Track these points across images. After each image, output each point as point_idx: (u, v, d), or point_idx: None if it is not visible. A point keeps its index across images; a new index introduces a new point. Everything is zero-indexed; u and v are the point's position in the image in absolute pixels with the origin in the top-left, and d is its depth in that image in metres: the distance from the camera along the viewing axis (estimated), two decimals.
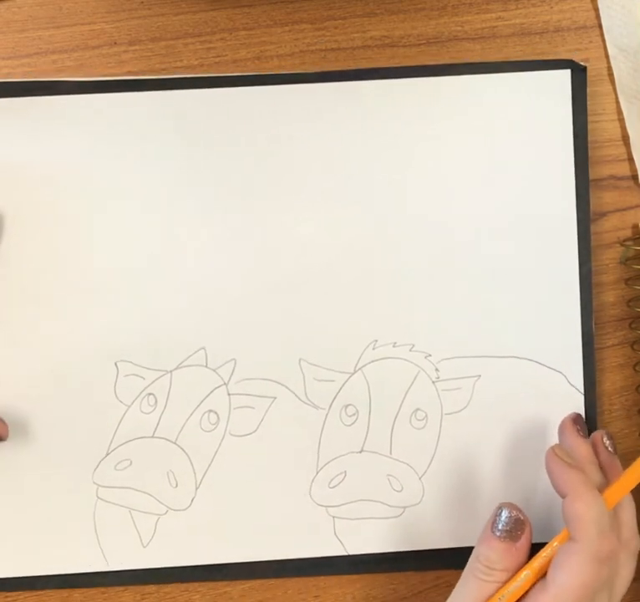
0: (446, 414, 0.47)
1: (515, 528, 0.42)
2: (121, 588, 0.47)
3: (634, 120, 0.48)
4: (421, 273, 0.47)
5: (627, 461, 0.48)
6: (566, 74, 0.47)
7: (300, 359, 0.47)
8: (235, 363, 0.47)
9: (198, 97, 0.47)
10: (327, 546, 0.47)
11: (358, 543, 0.47)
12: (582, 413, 0.47)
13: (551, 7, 0.49)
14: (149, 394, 0.47)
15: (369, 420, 0.47)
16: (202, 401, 0.47)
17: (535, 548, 0.42)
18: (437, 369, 0.47)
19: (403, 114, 0.47)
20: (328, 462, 0.47)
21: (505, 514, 0.42)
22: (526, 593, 0.40)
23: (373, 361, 0.47)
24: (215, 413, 0.47)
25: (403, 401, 0.47)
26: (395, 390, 0.47)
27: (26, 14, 0.47)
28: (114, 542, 0.46)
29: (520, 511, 0.42)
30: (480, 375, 0.47)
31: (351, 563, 0.47)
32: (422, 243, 0.47)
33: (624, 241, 0.49)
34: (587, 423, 0.47)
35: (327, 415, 0.47)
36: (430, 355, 0.47)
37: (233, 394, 0.47)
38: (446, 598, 0.41)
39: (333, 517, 0.47)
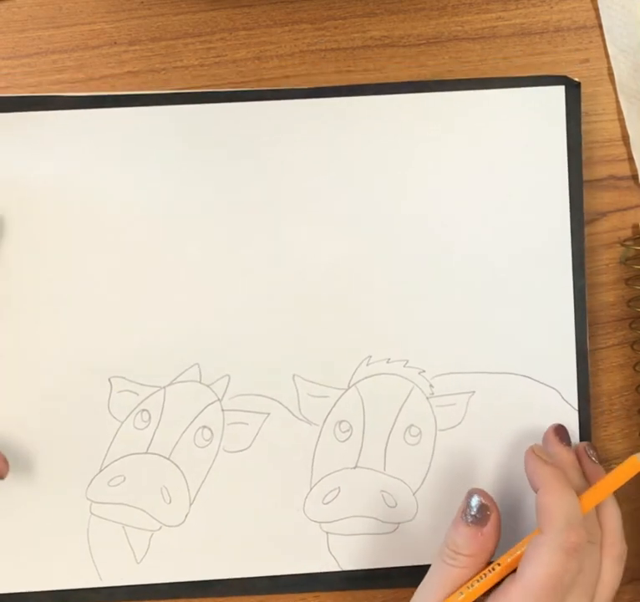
0: (440, 430, 0.47)
1: (482, 513, 0.42)
2: None
3: (634, 120, 0.48)
4: (415, 289, 0.47)
5: None
6: (559, 91, 0.47)
7: (294, 375, 0.47)
8: (229, 379, 0.47)
9: (195, 112, 0.47)
10: (320, 562, 0.47)
11: (351, 558, 0.47)
12: (577, 429, 0.47)
13: (551, 7, 0.49)
14: (143, 410, 0.47)
15: (363, 436, 0.47)
16: (196, 417, 0.47)
17: None
18: (431, 385, 0.47)
19: (396, 130, 0.47)
20: (322, 478, 0.47)
21: (474, 500, 0.42)
22: (498, 585, 0.40)
23: (367, 377, 0.47)
24: (209, 429, 0.47)
25: (397, 417, 0.47)
26: (389, 406, 0.47)
27: (26, 14, 0.47)
28: (107, 558, 0.46)
29: (488, 498, 0.42)
30: (474, 391, 0.47)
31: (344, 579, 0.47)
32: (416, 259, 0.47)
33: (624, 241, 0.49)
34: (582, 440, 0.47)
35: (321, 431, 0.47)
36: (424, 371, 0.47)
37: (227, 410, 0.47)
38: None
39: (327, 532, 0.47)
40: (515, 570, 0.40)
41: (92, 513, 0.46)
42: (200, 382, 0.47)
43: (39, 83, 0.47)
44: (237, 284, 0.47)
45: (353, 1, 0.48)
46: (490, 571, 0.41)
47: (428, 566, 0.47)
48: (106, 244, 0.47)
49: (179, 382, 0.47)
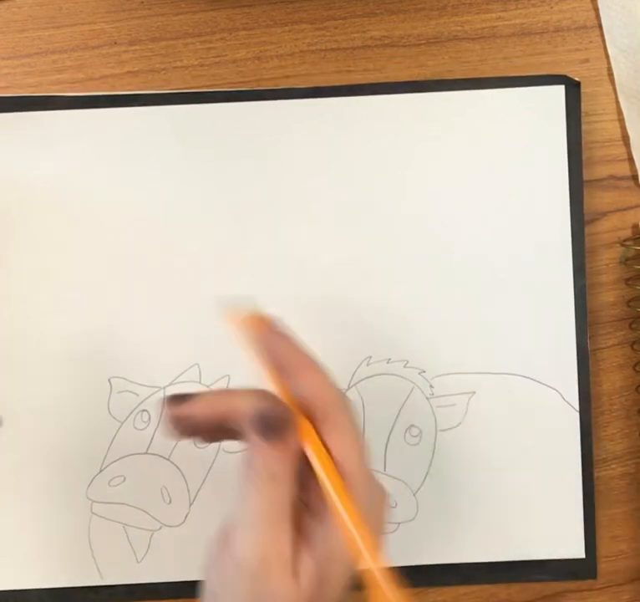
0: (440, 430, 0.47)
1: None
2: None
3: (634, 120, 0.48)
4: (415, 289, 0.47)
5: (627, 462, 0.48)
6: (559, 90, 0.47)
7: None
8: (228, 379, 0.47)
9: (193, 112, 0.47)
10: None
11: None
12: (578, 430, 0.47)
13: (551, 7, 0.49)
14: (143, 410, 0.47)
15: (363, 436, 0.47)
16: None
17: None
18: (431, 386, 0.47)
19: (396, 130, 0.47)
20: None
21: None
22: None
23: (367, 377, 0.47)
24: None
25: (397, 418, 0.47)
26: (389, 406, 0.47)
27: (26, 14, 0.47)
28: (108, 557, 0.46)
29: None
30: (474, 392, 0.47)
31: None
32: (416, 259, 0.47)
33: (624, 241, 0.49)
34: (584, 440, 0.47)
35: None
36: (424, 372, 0.47)
37: None
38: None
39: None
40: None
41: (93, 513, 0.46)
42: (199, 382, 0.47)
43: (39, 83, 0.47)
44: (237, 284, 0.47)
45: (353, 1, 0.48)
46: None
47: (429, 566, 0.47)
48: (106, 244, 0.47)
49: (179, 382, 0.47)
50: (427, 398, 0.47)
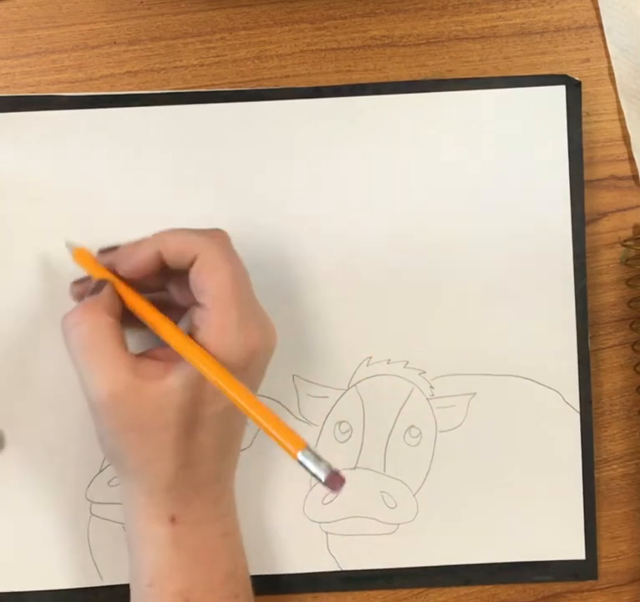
0: (441, 431, 0.47)
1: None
2: None
3: (635, 120, 0.48)
4: (416, 290, 0.47)
5: (627, 462, 0.48)
6: (560, 90, 0.47)
7: (294, 376, 0.47)
8: None
9: (193, 112, 0.47)
10: (320, 562, 0.47)
11: (351, 559, 0.47)
12: (578, 431, 0.47)
13: (552, 7, 0.49)
14: None
15: (363, 436, 0.47)
16: None
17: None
18: (432, 387, 0.47)
19: (397, 130, 0.47)
20: None
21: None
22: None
23: (367, 378, 0.47)
24: None
25: (397, 418, 0.47)
26: (389, 406, 0.47)
27: (25, 14, 0.47)
28: (108, 557, 0.46)
29: None
30: (474, 393, 0.47)
31: (344, 580, 0.47)
32: (416, 260, 0.47)
33: (625, 241, 0.48)
34: (584, 441, 0.47)
35: (320, 431, 0.47)
36: (425, 372, 0.47)
37: None
38: None
39: (327, 533, 0.47)
40: None
41: (92, 514, 0.46)
42: None
43: (39, 82, 0.47)
44: None
45: (353, 1, 0.48)
46: None
47: (428, 567, 0.47)
48: (106, 244, 0.47)
49: None
50: (427, 399, 0.47)
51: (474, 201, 0.47)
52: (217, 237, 0.41)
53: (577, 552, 0.48)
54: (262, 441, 0.47)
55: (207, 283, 0.39)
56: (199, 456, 0.39)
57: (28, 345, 0.46)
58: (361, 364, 0.47)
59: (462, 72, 0.48)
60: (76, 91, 0.47)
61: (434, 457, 0.47)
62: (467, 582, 0.47)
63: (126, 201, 0.47)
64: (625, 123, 0.48)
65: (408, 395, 0.47)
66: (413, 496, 0.47)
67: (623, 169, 0.49)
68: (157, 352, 0.41)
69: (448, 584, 0.48)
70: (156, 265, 0.40)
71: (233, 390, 0.37)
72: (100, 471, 0.46)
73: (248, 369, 0.39)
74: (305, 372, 0.47)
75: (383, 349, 0.47)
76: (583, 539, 0.47)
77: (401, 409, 0.47)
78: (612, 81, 0.48)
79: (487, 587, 0.48)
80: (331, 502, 0.47)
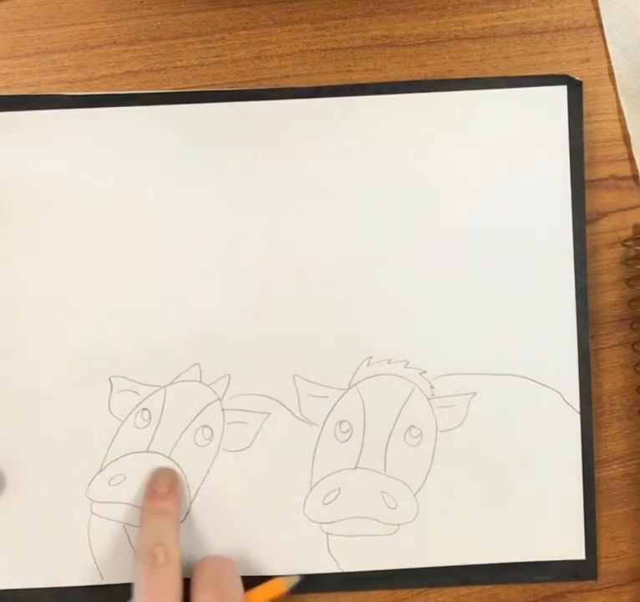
0: (441, 431, 0.47)
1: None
2: None
3: (635, 120, 0.48)
4: (416, 290, 0.47)
5: (627, 462, 0.48)
6: (561, 90, 0.47)
7: (294, 375, 0.47)
8: (229, 378, 0.47)
9: (193, 112, 0.47)
10: (320, 563, 0.47)
11: (351, 560, 0.47)
12: (578, 431, 0.47)
13: (552, 7, 0.49)
14: (144, 409, 0.47)
15: (364, 436, 0.47)
16: (196, 416, 0.47)
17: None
18: (432, 386, 0.47)
19: (397, 130, 0.47)
20: (322, 479, 0.47)
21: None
22: None
23: (367, 378, 0.47)
24: (210, 428, 0.47)
25: (397, 418, 0.47)
26: (390, 406, 0.47)
27: (25, 14, 0.47)
28: (108, 556, 0.46)
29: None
30: (475, 393, 0.47)
31: (344, 580, 0.47)
32: (416, 260, 0.47)
33: (625, 241, 0.48)
34: (584, 441, 0.47)
35: (321, 431, 0.47)
36: (425, 372, 0.47)
37: (227, 409, 0.47)
38: None
39: (327, 533, 0.47)
40: None
41: (92, 513, 0.46)
42: (200, 381, 0.47)
43: (39, 82, 0.47)
44: (237, 284, 0.47)
45: (353, 1, 0.48)
46: None
47: (429, 568, 0.47)
48: (105, 243, 0.47)
49: (179, 381, 0.47)
50: (428, 399, 0.47)
51: (474, 200, 0.47)
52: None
53: (577, 552, 0.47)
54: (262, 441, 0.47)
55: None
56: None
57: (30, 344, 0.46)
58: (361, 363, 0.47)
59: (462, 72, 0.48)
60: (76, 91, 0.47)
61: (435, 457, 0.47)
62: (467, 582, 0.47)
63: (126, 200, 0.47)
64: (625, 123, 0.48)
65: (409, 395, 0.47)
66: (414, 496, 0.47)
67: (623, 169, 0.49)
68: None
69: (448, 584, 0.47)
70: None
71: None
72: (101, 470, 0.46)
73: None
74: (306, 372, 0.47)
75: (383, 348, 0.47)
76: (583, 539, 0.47)
77: (401, 409, 0.47)
78: (612, 81, 0.48)
79: (487, 587, 0.48)
80: (331, 502, 0.47)
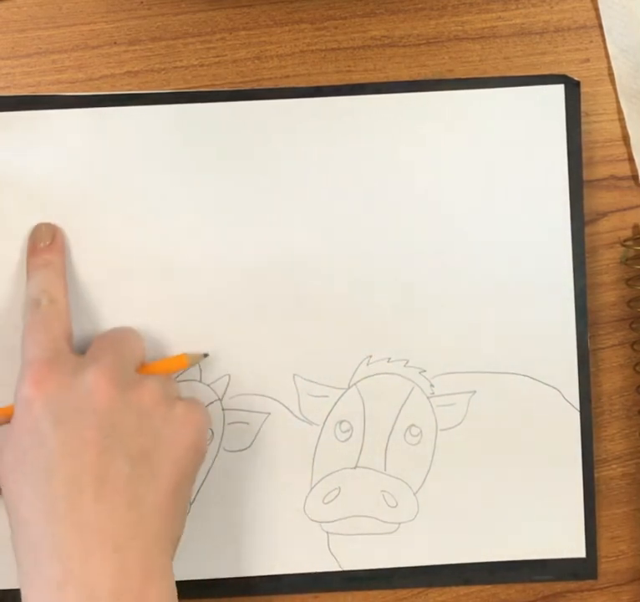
0: (441, 430, 0.47)
1: None
2: None
3: (635, 120, 0.48)
4: (416, 289, 0.47)
5: (627, 462, 0.48)
6: (559, 89, 0.47)
7: (294, 375, 0.47)
8: (229, 378, 0.47)
9: (193, 112, 0.47)
10: (321, 562, 0.47)
11: (352, 558, 0.47)
12: (578, 429, 0.47)
13: (552, 7, 0.49)
14: None
15: (364, 435, 0.47)
16: None
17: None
18: (432, 385, 0.47)
19: (395, 129, 0.47)
20: (323, 478, 0.47)
21: None
22: None
23: (367, 377, 0.47)
24: (210, 428, 0.47)
25: (397, 417, 0.47)
26: (390, 405, 0.47)
27: (25, 14, 0.47)
28: None
29: None
30: (475, 391, 0.47)
31: (345, 579, 0.47)
32: (416, 259, 0.47)
33: (625, 241, 0.49)
34: (584, 440, 0.47)
35: (321, 430, 0.47)
36: (425, 371, 0.47)
37: (227, 409, 0.47)
38: None
39: (327, 532, 0.47)
40: None
41: None
42: (200, 381, 0.47)
43: (39, 83, 0.47)
44: (237, 283, 0.47)
45: (353, 1, 0.48)
46: None
47: (429, 566, 0.47)
48: (105, 243, 0.47)
49: (179, 381, 0.47)
50: (427, 397, 0.47)
51: (473, 200, 0.47)
52: None
53: (577, 551, 0.48)
54: (262, 441, 0.47)
55: None
56: None
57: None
58: (361, 363, 0.47)
59: (462, 72, 0.48)
60: (76, 91, 0.47)
61: (435, 456, 0.47)
62: (467, 581, 0.47)
63: (126, 200, 0.47)
64: (625, 123, 0.49)
65: (409, 394, 0.47)
66: (414, 495, 0.47)
67: (623, 169, 0.49)
68: None
69: (448, 584, 0.47)
70: None
71: None
72: None
73: None
74: (305, 371, 0.47)
75: (383, 347, 0.47)
76: (583, 539, 0.47)
77: (401, 407, 0.47)
78: (612, 81, 0.49)
79: (487, 586, 0.48)
80: (332, 501, 0.47)
